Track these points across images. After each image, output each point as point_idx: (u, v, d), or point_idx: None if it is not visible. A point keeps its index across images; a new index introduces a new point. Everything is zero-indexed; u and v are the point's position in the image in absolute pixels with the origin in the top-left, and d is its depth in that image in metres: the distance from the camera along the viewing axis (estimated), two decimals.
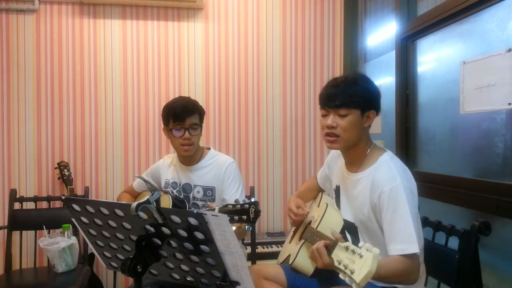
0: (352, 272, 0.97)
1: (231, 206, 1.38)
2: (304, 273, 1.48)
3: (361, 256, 0.96)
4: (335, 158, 1.59)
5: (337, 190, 1.50)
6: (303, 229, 1.58)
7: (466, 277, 1.27)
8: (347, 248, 1.03)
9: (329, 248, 1.11)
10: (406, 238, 1.19)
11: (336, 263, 1.04)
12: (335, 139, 1.34)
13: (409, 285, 1.27)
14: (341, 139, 1.33)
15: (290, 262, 1.51)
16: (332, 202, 1.57)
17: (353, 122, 1.31)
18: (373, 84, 1.39)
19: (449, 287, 1.35)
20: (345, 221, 1.45)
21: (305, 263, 1.47)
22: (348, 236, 1.44)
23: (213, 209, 1.45)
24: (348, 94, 1.31)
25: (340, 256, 1.04)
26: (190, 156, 1.78)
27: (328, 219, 1.47)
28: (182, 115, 1.69)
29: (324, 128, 1.36)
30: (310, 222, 1.57)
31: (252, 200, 1.35)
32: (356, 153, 1.38)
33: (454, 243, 1.35)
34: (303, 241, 1.50)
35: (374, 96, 1.36)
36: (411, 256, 1.19)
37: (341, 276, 1.02)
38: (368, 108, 1.33)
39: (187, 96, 1.84)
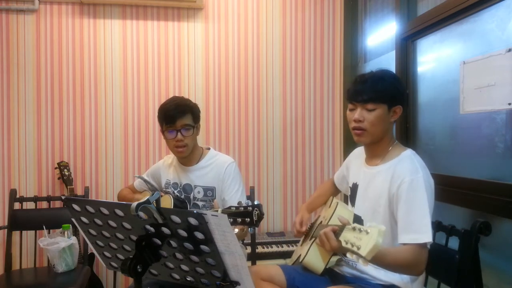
0: (358, 248, 0.99)
1: (234, 208, 1.37)
2: (314, 271, 1.48)
3: (367, 233, 0.99)
4: (354, 158, 1.61)
5: (354, 187, 1.51)
6: (314, 230, 1.58)
7: (466, 277, 1.27)
8: (354, 229, 1.05)
9: (337, 232, 1.11)
10: (421, 228, 1.21)
11: (343, 244, 1.06)
12: (362, 132, 1.37)
13: (414, 276, 1.28)
14: (368, 133, 1.36)
15: (300, 260, 1.51)
16: (343, 203, 1.58)
17: (380, 116, 1.35)
18: (400, 80, 1.42)
19: (449, 287, 1.35)
20: (355, 215, 1.46)
21: (315, 260, 1.47)
22: None
23: (216, 209, 1.45)
24: (376, 89, 1.34)
25: (347, 237, 1.06)
26: (188, 157, 1.78)
27: (338, 215, 1.48)
28: (173, 117, 1.68)
29: (351, 122, 1.40)
30: (321, 222, 1.57)
31: (256, 202, 1.34)
32: (380, 148, 1.41)
33: (454, 243, 1.35)
34: (313, 239, 1.51)
35: (400, 92, 1.39)
36: (422, 246, 1.20)
37: (348, 255, 1.04)
38: (395, 103, 1.37)
39: (181, 96, 1.83)
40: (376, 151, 1.43)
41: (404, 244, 1.22)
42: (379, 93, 1.34)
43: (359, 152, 1.57)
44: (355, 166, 1.56)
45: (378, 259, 1.00)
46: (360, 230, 1.02)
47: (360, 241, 1.00)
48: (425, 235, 1.20)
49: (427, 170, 1.33)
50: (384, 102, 1.34)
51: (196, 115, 1.77)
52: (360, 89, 1.36)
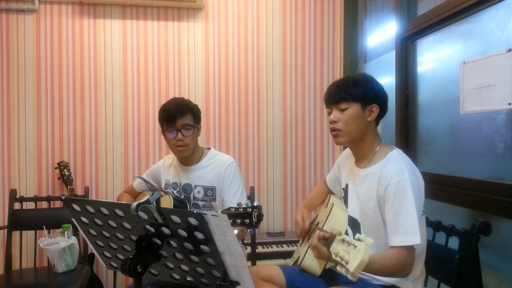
0: (347, 263, 0.99)
1: (233, 209, 1.37)
2: (312, 273, 1.48)
3: (355, 247, 0.99)
4: (345, 158, 1.61)
5: (346, 189, 1.51)
6: (312, 230, 1.58)
7: (466, 277, 1.27)
8: (343, 241, 1.05)
9: (328, 242, 1.12)
10: (409, 230, 1.21)
11: (333, 256, 1.06)
12: (337, 133, 1.38)
13: (402, 277, 1.28)
14: (343, 133, 1.37)
15: (298, 263, 1.52)
16: (339, 202, 1.58)
17: (353, 115, 1.36)
18: (377, 83, 1.42)
19: (449, 287, 1.35)
20: (350, 217, 1.46)
21: (312, 263, 1.47)
22: (350, 231, 1.45)
23: (216, 210, 1.45)
24: (348, 89, 1.37)
25: (337, 249, 1.06)
26: (189, 157, 1.79)
27: (333, 217, 1.48)
28: (173, 117, 1.70)
29: (329, 124, 1.42)
30: (318, 223, 1.57)
31: (255, 204, 1.34)
32: (364, 149, 1.41)
33: (454, 243, 1.35)
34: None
35: (375, 92, 1.39)
36: (409, 249, 1.21)
37: (338, 268, 1.04)
38: (369, 102, 1.37)
39: (181, 97, 1.85)
40: (362, 153, 1.43)
41: (394, 246, 1.22)
42: (350, 92, 1.36)
43: (349, 152, 1.56)
44: (347, 167, 1.56)
45: (366, 268, 1.00)
46: (348, 243, 1.02)
47: (348, 255, 1.00)
48: (414, 237, 1.20)
49: (416, 169, 1.33)
50: (356, 100, 1.35)
51: (196, 115, 1.77)
52: (334, 91, 1.40)
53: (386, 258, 1.21)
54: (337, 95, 1.37)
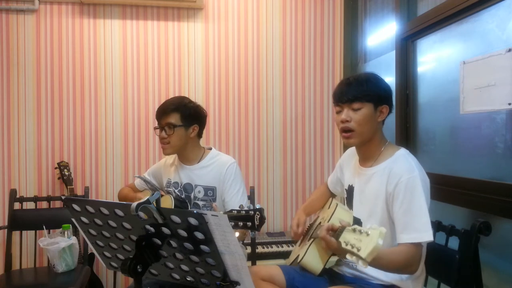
0: (358, 250, 0.99)
1: (235, 211, 1.37)
2: (312, 271, 1.48)
3: (367, 234, 0.99)
4: (347, 159, 1.60)
5: (350, 190, 1.51)
6: (313, 230, 1.58)
7: (466, 277, 1.27)
8: (354, 230, 1.05)
9: (337, 233, 1.12)
10: (421, 227, 1.21)
11: (343, 245, 1.06)
12: (350, 134, 1.37)
13: (409, 274, 1.28)
14: (356, 133, 1.36)
15: (298, 260, 1.51)
16: (342, 205, 1.57)
17: (367, 115, 1.35)
18: (385, 82, 1.43)
19: (449, 287, 1.35)
20: (354, 217, 1.46)
21: (313, 261, 1.47)
22: None
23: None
24: (361, 89, 1.35)
25: (347, 238, 1.06)
26: (188, 156, 1.79)
27: (337, 216, 1.47)
28: (158, 115, 1.75)
29: (338, 124, 1.40)
30: (320, 223, 1.57)
31: (257, 206, 1.34)
32: (371, 149, 1.41)
33: (454, 243, 1.35)
34: (312, 239, 1.50)
35: (386, 92, 1.40)
36: (417, 245, 1.21)
37: (348, 257, 1.04)
38: (381, 102, 1.37)
39: (180, 96, 1.86)
40: (368, 153, 1.42)
41: (405, 243, 1.22)
42: (364, 92, 1.35)
43: (352, 153, 1.56)
44: (350, 168, 1.55)
45: (374, 262, 1.00)
46: (360, 232, 1.02)
47: (360, 243, 0.99)
48: (426, 234, 1.21)
49: (422, 168, 1.33)
50: (370, 101, 1.35)
51: (186, 115, 1.74)
52: (346, 90, 1.37)
53: (394, 253, 1.22)
54: (350, 93, 1.35)
